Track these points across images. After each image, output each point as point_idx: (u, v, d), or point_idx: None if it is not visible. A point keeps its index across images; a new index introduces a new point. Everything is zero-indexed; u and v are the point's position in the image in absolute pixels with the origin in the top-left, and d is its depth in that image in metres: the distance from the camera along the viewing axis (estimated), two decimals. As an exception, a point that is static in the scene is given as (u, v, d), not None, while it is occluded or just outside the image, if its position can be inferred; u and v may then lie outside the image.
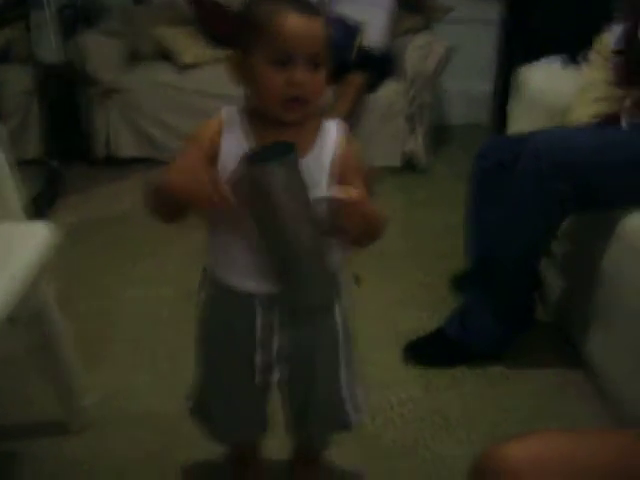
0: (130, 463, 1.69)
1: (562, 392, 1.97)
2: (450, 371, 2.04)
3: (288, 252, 1.11)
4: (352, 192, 1.09)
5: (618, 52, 2.27)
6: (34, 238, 1.50)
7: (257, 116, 1.18)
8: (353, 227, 1.12)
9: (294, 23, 1.09)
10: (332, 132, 1.20)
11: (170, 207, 1.16)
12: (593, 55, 2.46)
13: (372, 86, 3.60)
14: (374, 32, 3.74)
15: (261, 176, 1.04)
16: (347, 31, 3.59)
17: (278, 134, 1.13)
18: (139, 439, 1.76)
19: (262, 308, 1.25)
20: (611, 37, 2.34)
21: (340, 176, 1.17)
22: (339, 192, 1.09)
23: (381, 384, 1.93)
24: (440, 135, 4.31)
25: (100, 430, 1.79)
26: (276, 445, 1.63)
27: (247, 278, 1.23)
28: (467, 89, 4.66)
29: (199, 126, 1.21)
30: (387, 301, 2.42)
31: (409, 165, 3.77)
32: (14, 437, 1.78)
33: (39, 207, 3.04)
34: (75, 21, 3.87)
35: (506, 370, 2.06)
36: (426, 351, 2.10)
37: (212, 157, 1.16)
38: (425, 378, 2.01)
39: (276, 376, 1.32)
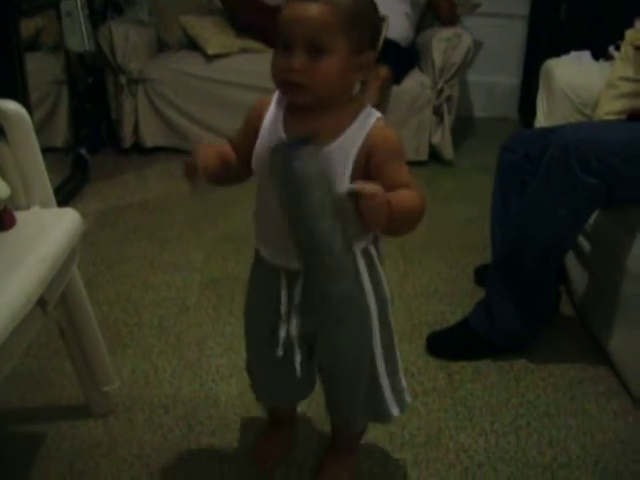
0: (150, 448, 1.70)
1: (585, 387, 1.96)
2: (474, 363, 2.04)
3: (310, 240, 1.12)
4: (370, 186, 1.09)
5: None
6: (64, 223, 1.52)
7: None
8: (375, 221, 1.13)
9: (291, 8, 1.12)
10: (368, 120, 1.19)
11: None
12: (622, 49, 2.44)
13: (397, 78, 3.59)
14: (399, 25, 3.73)
15: (286, 164, 1.06)
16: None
17: (303, 119, 1.18)
18: (160, 424, 1.78)
19: (287, 284, 1.29)
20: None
21: (375, 161, 1.17)
22: (359, 186, 1.10)
23: (406, 374, 1.93)
24: (465, 128, 4.30)
25: (122, 415, 1.81)
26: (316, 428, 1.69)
27: (276, 253, 1.28)
28: (493, 82, 4.65)
29: (257, 100, 1.28)
30: (410, 293, 2.42)
31: (435, 157, 3.77)
32: (36, 419, 1.79)
33: (67, 194, 3.08)
34: (105, 10, 3.90)
35: (530, 363, 2.05)
36: (450, 343, 2.10)
37: (257, 130, 1.24)
38: (449, 369, 2.02)
39: (298, 356, 1.34)
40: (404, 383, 1.47)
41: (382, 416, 1.48)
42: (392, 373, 1.42)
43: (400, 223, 1.18)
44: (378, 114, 1.22)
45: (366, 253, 1.29)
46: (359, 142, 1.18)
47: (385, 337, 1.36)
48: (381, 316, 1.34)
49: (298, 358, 1.34)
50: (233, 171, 1.30)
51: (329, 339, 1.35)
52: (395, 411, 1.46)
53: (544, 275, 2.01)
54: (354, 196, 1.10)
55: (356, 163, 1.17)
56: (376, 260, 1.32)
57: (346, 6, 1.12)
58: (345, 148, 1.17)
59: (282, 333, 1.32)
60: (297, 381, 1.41)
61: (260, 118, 1.24)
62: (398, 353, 1.43)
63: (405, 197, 1.16)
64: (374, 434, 1.60)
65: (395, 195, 1.13)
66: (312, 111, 1.17)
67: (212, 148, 1.26)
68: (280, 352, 1.33)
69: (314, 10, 1.10)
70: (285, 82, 1.14)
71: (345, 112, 1.19)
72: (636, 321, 1.90)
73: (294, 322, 1.31)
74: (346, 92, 1.20)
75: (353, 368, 1.38)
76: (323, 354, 1.39)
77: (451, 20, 3.81)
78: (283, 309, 1.30)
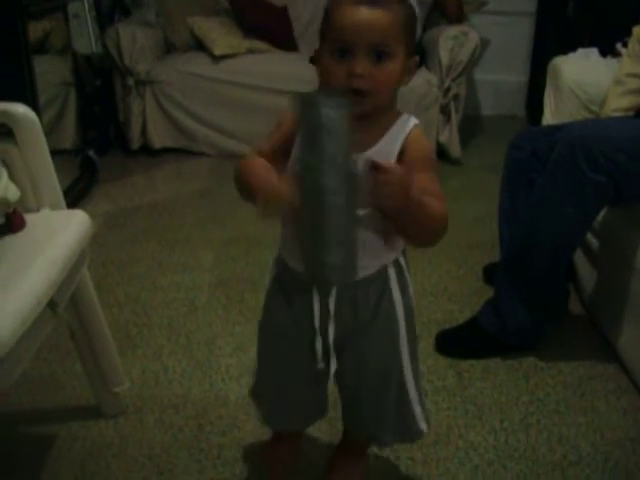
0: (161, 448, 1.70)
1: (594, 385, 1.96)
2: (483, 361, 2.04)
3: (315, 196, 1.06)
4: (390, 163, 1.07)
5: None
6: (74, 225, 1.52)
7: None
8: (389, 199, 1.07)
9: (350, 12, 1.09)
10: (406, 126, 1.18)
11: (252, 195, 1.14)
12: (630, 46, 2.44)
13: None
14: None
15: (309, 106, 1.02)
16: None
17: None
18: (171, 425, 1.78)
19: (319, 294, 1.25)
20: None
21: (407, 166, 1.13)
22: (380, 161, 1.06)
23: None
24: (473, 126, 4.30)
25: (132, 415, 1.81)
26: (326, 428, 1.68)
27: None
28: (500, 80, 4.65)
29: (287, 109, 1.22)
30: (419, 292, 2.42)
31: (443, 156, 3.76)
32: (47, 421, 1.80)
33: (76, 195, 3.09)
34: (112, 12, 3.91)
35: (539, 361, 2.05)
36: (459, 342, 2.10)
37: (291, 139, 1.18)
38: (458, 368, 2.02)
39: (333, 367, 1.30)
40: (424, 395, 1.45)
41: (413, 434, 1.44)
42: (418, 386, 1.39)
43: (417, 223, 1.14)
44: (416, 121, 1.20)
45: (397, 264, 1.29)
46: (398, 147, 1.17)
47: (411, 347, 1.35)
48: (408, 326, 1.32)
49: (334, 366, 1.30)
50: None
51: (358, 349, 1.31)
52: (424, 426, 1.43)
53: (553, 273, 2.01)
54: (373, 171, 1.05)
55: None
56: (405, 270, 1.31)
57: (404, 11, 1.12)
58: (384, 153, 1.16)
59: (318, 347, 1.28)
60: (315, 399, 1.41)
61: (293, 128, 1.18)
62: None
63: (429, 200, 1.13)
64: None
65: (420, 191, 1.10)
66: (358, 119, 1.10)
67: (270, 172, 1.13)
68: (320, 364, 1.30)
69: (379, 14, 1.09)
70: (351, 89, 1.10)
71: (385, 117, 1.18)
72: (645, 318, 1.90)
73: (331, 331, 1.27)
74: (393, 98, 1.19)
75: (380, 379, 1.35)
76: (350, 366, 1.34)
77: (458, 18, 3.81)
78: (317, 322, 1.26)
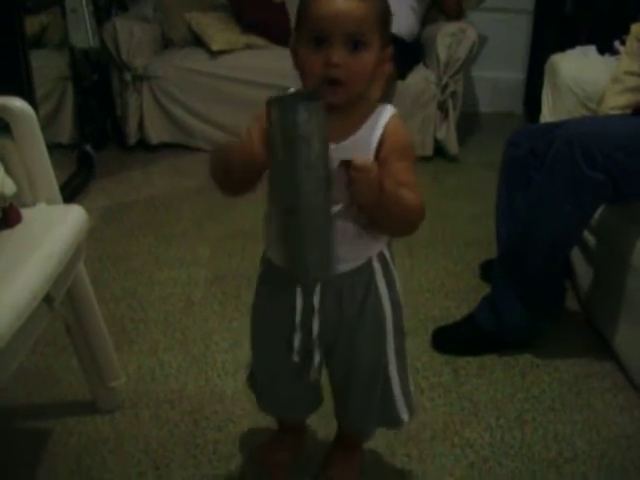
0: (157, 443, 1.70)
1: (590, 382, 1.96)
2: (479, 358, 2.05)
3: (292, 197, 1.06)
4: (363, 159, 1.06)
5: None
6: (70, 219, 1.52)
7: None
8: (362, 195, 1.07)
9: (326, 2, 1.10)
10: (383, 116, 1.18)
11: (229, 174, 1.16)
12: (628, 43, 2.44)
13: (402, 74, 3.59)
14: (404, 20, 3.72)
15: (281, 113, 1.01)
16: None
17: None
18: (167, 420, 1.78)
19: (303, 290, 1.26)
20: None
21: (383, 157, 1.15)
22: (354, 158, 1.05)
23: (411, 369, 1.93)
24: (471, 123, 4.30)
25: (128, 411, 1.81)
26: (322, 422, 1.69)
27: None
28: (498, 77, 4.65)
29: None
30: (416, 289, 2.42)
31: (440, 153, 3.76)
32: (43, 416, 1.80)
33: (72, 190, 3.09)
34: (109, 6, 3.90)
35: (535, 359, 2.05)
36: (455, 338, 2.10)
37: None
38: (455, 364, 2.02)
39: (317, 360, 1.32)
40: (412, 387, 1.46)
41: (393, 422, 1.47)
42: (403, 378, 1.41)
43: (392, 216, 1.15)
44: (394, 110, 1.20)
45: (381, 257, 1.29)
46: (376, 137, 1.17)
47: (398, 342, 1.36)
48: (395, 320, 1.33)
49: (317, 358, 1.32)
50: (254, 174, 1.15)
51: (346, 345, 1.33)
52: (405, 416, 1.45)
53: (549, 270, 2.01)
54: (347, 168, 1.05)
55: (374, 157, 1.15)
56: (390, 263, 1.32)
57: (379, 1, 1.13)
58: (362, 144, 1.16)
59: (296, 342, 1.29)
60: (307, 392, 1.43)
61: None
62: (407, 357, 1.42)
63: (403, 193, 1.13)
64: (380, 429, 1.60)
65: (393, 185, 1.10)
66: (336, 108, 1.12)
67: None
68: (296, 358, 1.31)
69: (355, 4, 1.09)
70: (324, 79, 1.10)
71: (361, 108, 1.18)
72: (641, 316, 1.90)
73: (315, 327, 1.28)
74: (368, 88, 1.19)
75: (369, 375, 1.36)
76: (339, 362, 1.37)
77: (457, 14, 3.81)
78: (298, 317, 1.27)
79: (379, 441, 1.69)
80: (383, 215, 1.15)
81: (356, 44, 1.10)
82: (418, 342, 2.10)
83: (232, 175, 1.16)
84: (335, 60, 1.09)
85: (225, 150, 1.16)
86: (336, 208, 1.13)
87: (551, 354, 2.07)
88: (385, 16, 1.15)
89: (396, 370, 1.38)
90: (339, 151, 1.09)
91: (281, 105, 1.02)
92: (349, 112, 1.16)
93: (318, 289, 1.25)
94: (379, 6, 1.13)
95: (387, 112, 1.19)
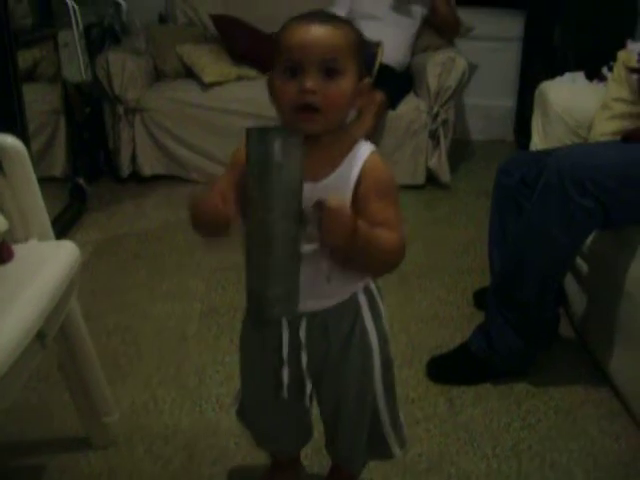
0: (150, 479, 1.69)
1: (586, 410, 1.96)
2: (474, 387, 2.04)
3: (260, 230, 1.06)
4: (336, 200, 1.05)
5: (636, 70, 2.28)
6: (62, 255, 1.52)
7: None
8: (329, 236, 1.06)
9: (299, 30, 1.11)
10: (361, 153, 1.17)
11: (205, 224, 1.16)
12: (615, 70, 2.46)
13: (393, 103, 3.61)
14: (394, 49, 3.76)
15: (259, 140, 1.02)
16: (368, 49, 3.61)
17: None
18: (161, 455, 1.77)
19: (289, 324, 1.26)
20: (633, 53, 2.35)
21: (361, 196, 1.15)
22: (326, 199, 1.04)
23: (406, 400, 1.93)
24: (462, 151, 4.32)
25: (122, 446, 1.80)
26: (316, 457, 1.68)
27: None
28: (489, 105, 4.68)
29: (236, 150, 1.23)
30: (409, 318, 2.42)
31: (432, 181, 3.78)
32: (36, 452, 1.79)
33: (65, 223, 3.08)
34: (102, 40, 3.92)
35: (530, 387, 2.05)
36: (450, 367, 2.10)
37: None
38: (450, 394, 2.01)
39: (309, 390, 1.32)
40: (403, 420, 1.45)
41: (385, 456, 1.47)
42: (392, 412, 1.40)
43: (368, 256, 1.14)
44: (372, 147, 1.20)
45: (367, 290, 1.29)
46: (355, 175, 1.16)
47: (385, 375, 1.35)
48: (382, 354, 1.33)
49: (309, 388, 1.32)
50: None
51: (334, 378, 1.32)
52: (397, 450, 1.45)
53: (543, 298, 2.01)
54: (317, 206, 1.04)
55: (354, 194, 1.15)
56: (377, 296, 1.31)
57: (352, 30, 1.14)
58: (341, 182, 1.15)
59: (285, 377, 1.29)
60: (297, 424, 1.43)
61: None
62: (397, 391, 1.42)
63: (380, 234, 1.12)
64: (375, 462, 1.60)
65: (367, 226, 1.09)
66: (316, 143, 1.13)
67: (217, 197, 1.11)
68: (286, 393, 1.30)
69: (329, 31, 1.11)
70: (299, 107, 1.10)
71: (339, 144, 1.17)
72: (636, 342, 1.89)
73: (304, 360, 1.27)
74: (344, 120, 1.19)
75: (356, 408, 1.36)
76: (326, 394, 1.37)
77: (453, 28, 3.88)
78: (285, 351, 1.27)
79: (375, 473, 1.67)
80: (357, 255, 1.14)
81: (330, 71, 1.10)
82: (413, 372, 2.09)
83: (202, 229, 1.18)
84: (309, 86, 1.09)
85: (194, 206, 1.16)
86: (312, 247, 1.13)
87: (546, 382, 2.07)
88: (358, 45, 1.15)
89: (385, 403, 1.37)
90: (318, 190, 1.09)
91: (260, 133, 1.03)
92: (329, 147, 1.16)
93: (304, 323, 1.25)
94: (351, 34, 1.14)
95: (366, 149, 1.19)
